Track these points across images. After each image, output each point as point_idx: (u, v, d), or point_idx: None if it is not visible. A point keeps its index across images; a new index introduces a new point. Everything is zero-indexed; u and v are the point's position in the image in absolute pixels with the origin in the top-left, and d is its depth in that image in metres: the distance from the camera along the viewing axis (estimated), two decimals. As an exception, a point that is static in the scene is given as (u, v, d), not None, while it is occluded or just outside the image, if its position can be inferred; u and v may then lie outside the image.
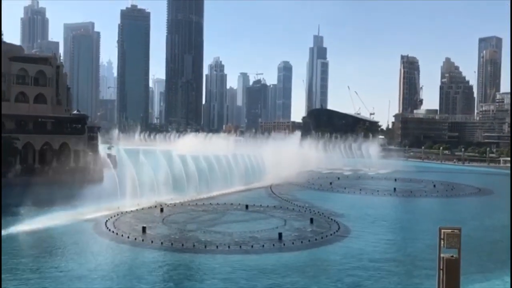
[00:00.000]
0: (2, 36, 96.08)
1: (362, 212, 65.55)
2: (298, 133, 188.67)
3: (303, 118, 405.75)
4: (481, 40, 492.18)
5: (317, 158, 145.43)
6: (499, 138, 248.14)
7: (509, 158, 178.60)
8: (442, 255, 17.51)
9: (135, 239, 45.79)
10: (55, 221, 53.03)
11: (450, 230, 17.36)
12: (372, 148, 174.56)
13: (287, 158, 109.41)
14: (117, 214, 56.73)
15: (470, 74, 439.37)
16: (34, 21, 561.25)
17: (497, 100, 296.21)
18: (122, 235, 46.95)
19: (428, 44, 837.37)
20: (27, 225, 50.52)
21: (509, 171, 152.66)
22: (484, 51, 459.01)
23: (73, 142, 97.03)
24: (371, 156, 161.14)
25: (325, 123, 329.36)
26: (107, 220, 53.28)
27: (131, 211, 59.34)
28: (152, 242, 44.87)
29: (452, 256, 17.31)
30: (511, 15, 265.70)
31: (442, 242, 17.36)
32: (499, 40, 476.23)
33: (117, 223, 52.27)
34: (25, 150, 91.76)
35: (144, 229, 48.86)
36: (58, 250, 43.32)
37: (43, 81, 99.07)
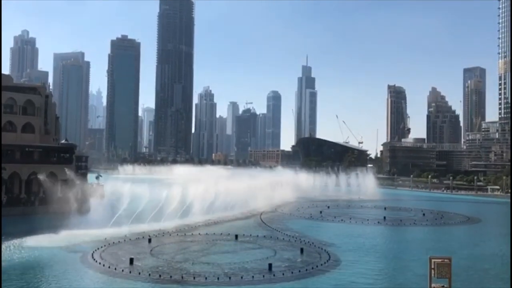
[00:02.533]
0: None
1: (352, 242, 65.19)
2: (285, 169, 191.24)
3: (293, 146, 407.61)
4: (466, 71, 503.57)
5: (308, 187, 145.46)
6: (486, 166, 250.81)
7: (496, 187, 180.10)
8: (433, 285, 17.46)
9: (122, 270, 44.90)
10: (40, 252, 51.96)
11: (440, 260, 17.36)
12: (366, 177, 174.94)
13: (277, 187, 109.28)
14: (104, 245, 55.74)
15: (456, 103, 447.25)
16: (24, 50, 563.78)
17: (483, 129, 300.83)
18: (109, 267, 46.01)
19: (414, 74, 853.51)
20: (11, 256, 49.39)
21: (496, 200, 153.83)
22: (469, 81, 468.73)
23: (60, 171, 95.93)
24: (366, 185, 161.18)
25: (314, 151, 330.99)
26: (94, 251, 52.28)
27: (119, 241, 58.36)
28: (139, 273, 44.00)
29: (443, 286, 17.25)
30: (511, 15, 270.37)
31: (432, 272, 17.33)
32: (482, 71, 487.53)
33: (104, 254, 51.28)
34: (11, 180, 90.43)
35: (131, 260, 47.96)
36: (42, 282, 42.27)
37: (32, 111, 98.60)
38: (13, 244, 54.98)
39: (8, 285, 39.70)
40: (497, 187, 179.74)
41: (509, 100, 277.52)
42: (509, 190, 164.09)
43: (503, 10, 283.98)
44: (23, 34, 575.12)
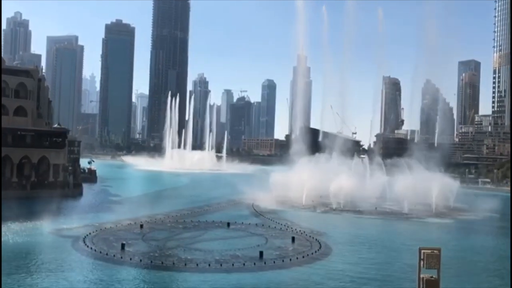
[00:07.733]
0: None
1: (343, 231, 65.63)
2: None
3: (286, 136, 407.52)
4: (461, 64, 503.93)
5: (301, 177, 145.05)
6: (477, 159, 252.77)
7: (487, 180, 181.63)
8: (422, 275, 17.59)
9: (114, 256, 44.95)
10: (31, 237, 51.85)
11: (429, 251, 17.47)
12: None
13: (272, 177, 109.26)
14: (96, 230, 55.71)
15: (450, 96, 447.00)
16: (17, 33, 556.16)
17: (476, 122, 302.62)
18: (100, 252, 46.04)
19: (409, 66, 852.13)
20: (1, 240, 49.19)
21: (487, 193, 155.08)
22: (464, 74, 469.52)
23: (52, 156, 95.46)
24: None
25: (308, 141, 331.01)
26: (85, 236, 52.25)
27: (110, 227, 58.36)
28: (131, 259, 44.08)
29: (432, 277, 17.38)
30: (511, 14, 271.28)
31: (422, 263, 17.45)
32: (477, 64, 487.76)
33: (95, 240, 51.29)
34: (2, 163, 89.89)
35: (123, 245, 48.03)
36: (33, 266, 42.18)
37: (24, 94, 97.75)
38: (3, 229, 54.78)
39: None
40: (488, 180, 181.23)
41: (503, 94, 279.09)
42: (500, 184, 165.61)
43: (500, 3, 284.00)
44: (16, 16, 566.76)
